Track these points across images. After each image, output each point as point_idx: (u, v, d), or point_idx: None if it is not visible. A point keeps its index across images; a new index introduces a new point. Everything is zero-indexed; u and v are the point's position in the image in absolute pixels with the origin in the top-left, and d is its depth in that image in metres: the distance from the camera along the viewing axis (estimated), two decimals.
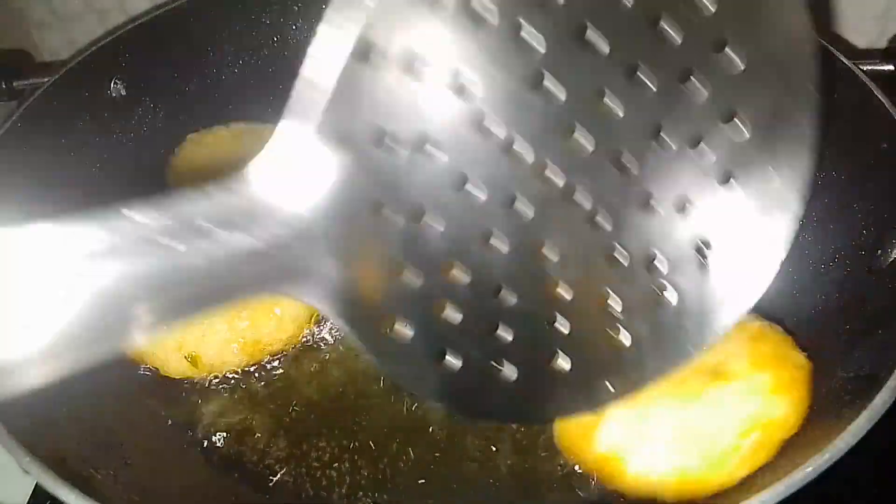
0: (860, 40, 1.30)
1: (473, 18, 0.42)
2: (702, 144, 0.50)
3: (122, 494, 0.68)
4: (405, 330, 0.48)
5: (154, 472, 0.77)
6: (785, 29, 0.50)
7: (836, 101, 0.91)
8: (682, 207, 0.52)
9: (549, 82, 0.45)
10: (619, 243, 0.51)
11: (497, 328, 0.51)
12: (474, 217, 0.47)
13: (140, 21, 1.04)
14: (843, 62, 0.90)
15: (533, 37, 0.43)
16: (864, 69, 0.89)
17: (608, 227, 0.51)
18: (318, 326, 0.90)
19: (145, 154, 1.03)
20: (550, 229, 0.49)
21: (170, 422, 0.83)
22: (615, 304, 0.53)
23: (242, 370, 0.87)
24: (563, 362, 0.53)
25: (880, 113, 0.84)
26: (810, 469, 0.60)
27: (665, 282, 0.54)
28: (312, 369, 0.87)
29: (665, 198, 0.51)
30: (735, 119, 0.50)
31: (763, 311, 0.88)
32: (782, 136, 0.52)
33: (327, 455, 0.80)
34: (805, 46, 0.52)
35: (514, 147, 0.46)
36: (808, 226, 0.91)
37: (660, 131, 0.49)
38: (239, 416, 0.84)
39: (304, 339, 0.89)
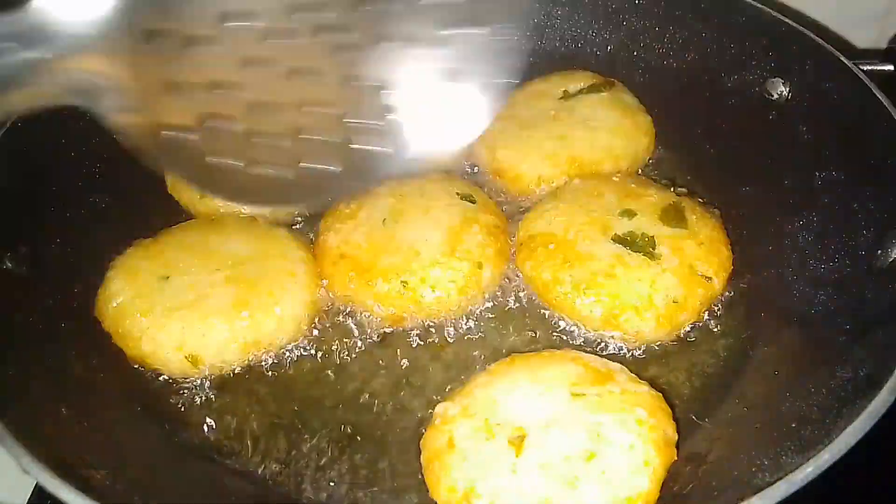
0: (860, 40, 1.30)
1: None
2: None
3: (122, 494, 0.68)
4: (172, 133, 0.60)
5: (153, 471, 0.77)
6: None
7: (838, 101, 0.92)
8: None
9: None
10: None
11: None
12: (230, 48, 0.59)
13: None
14: (843, 62, 0.90)
15: None
16: (864, 69, 0.90)
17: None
18: (318, 326, 0.91)
19: None
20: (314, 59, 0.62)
21: (169, 422, 0.83)
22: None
23: (242, 369, 0.87)
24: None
25: (880, 113, 0.84)
26: (810, 469, 0.60)
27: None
28: (312, 368, 0.88)
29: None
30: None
31: (765, 309, 0.89)
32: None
33: (326, 455, 0.80)
34: None
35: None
36: (809, 226, 0.91)
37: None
38: (238, 416, 0.84)
39: (304, 339, 0.90)
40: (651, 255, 0.87)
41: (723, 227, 0.93)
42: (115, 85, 0.56)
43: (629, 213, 0.91)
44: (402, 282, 0.88)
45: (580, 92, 1.08)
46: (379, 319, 0.90)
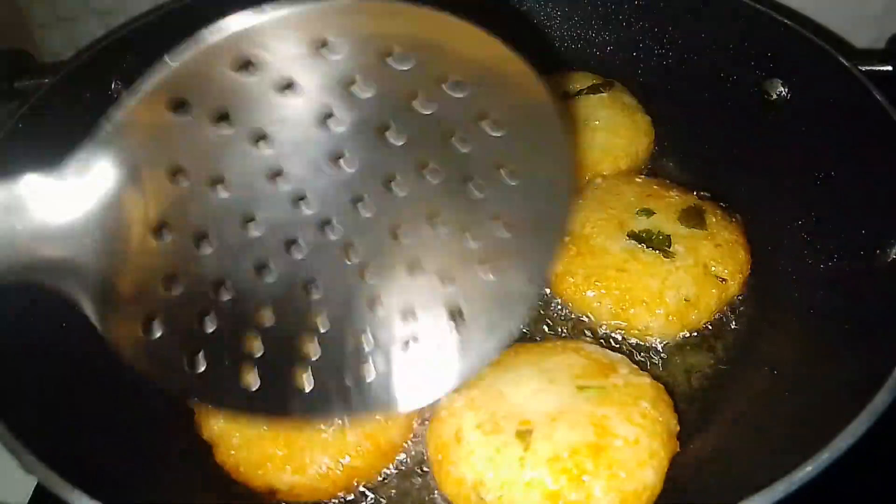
0: (859, 41, 1.30)
1: (286, 91, 0.49)
2: (468, 234, 0.61)
3: (123, 494, 0.68)
4: (155, 329, 0.56)
5: (155, 471, 0.77)
6: (552, 163, 0.60)
7: (836, 101, 0.92)
8: (445, 278, 0.62)
9: (346, 158, 0.54)
10: (380, 295, 0.61)
11: (245, 342, 0.59)
12: (251, 248, 0.55)
13: (141, 21, 1.04)
14: (842, 62, 0.90)
15: (337, 120, 0.52)
16: (863, 69, 0.90)
17: (372, 281, 0.60)
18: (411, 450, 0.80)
19: None
20: (319, 272, 0.58)
21: (171, 424, 0.83)
22: (367, 343, 0.62)
23: None
24: (306, 382, 0.62)
25: (879, 113, 0.84)
26: (810, 468, 0.60)
27: (414, 332, 0.63)
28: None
29: (430, 268, 0.61)
30: (500, 220, 0.61)
31: (764, 309, 0.89)
32: (533, 243, 0.62)
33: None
34: (564, 180, 0.62)
35: (302, 202, 0.55)
36: (808, 225, 0.91)
37: (436, 216, 0.59)
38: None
39: (397, 465, 0.79)
40: (665, 253, 0.88)
41: (744, 232, 0.94)
42: (91, 270, 0.51)
43: (647, 212, 0.92)
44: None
45: (580, 92, 1.08)
46: None
